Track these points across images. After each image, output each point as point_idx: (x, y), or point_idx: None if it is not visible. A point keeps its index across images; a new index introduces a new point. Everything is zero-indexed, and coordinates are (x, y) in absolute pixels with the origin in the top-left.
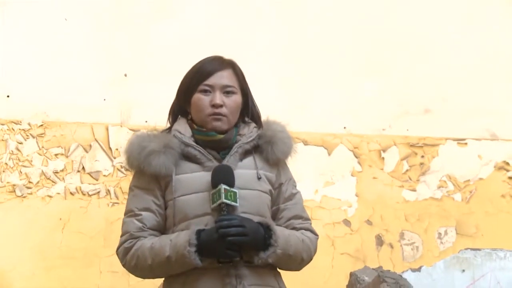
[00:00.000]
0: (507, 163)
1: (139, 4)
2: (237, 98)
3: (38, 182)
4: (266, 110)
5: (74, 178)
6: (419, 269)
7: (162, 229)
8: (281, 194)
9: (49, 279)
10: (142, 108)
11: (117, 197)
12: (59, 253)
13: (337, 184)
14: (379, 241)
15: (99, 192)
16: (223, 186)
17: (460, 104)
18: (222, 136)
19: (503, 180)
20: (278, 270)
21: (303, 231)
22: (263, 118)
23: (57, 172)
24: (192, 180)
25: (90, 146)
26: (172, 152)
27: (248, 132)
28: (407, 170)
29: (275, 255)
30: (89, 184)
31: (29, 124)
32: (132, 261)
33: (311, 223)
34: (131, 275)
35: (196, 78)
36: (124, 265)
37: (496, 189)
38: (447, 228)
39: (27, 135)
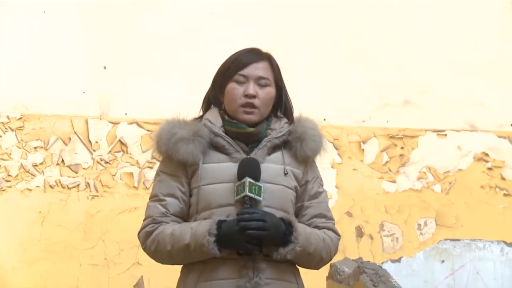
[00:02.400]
0: (486, 154)
1: None
2: (270, 91)
3: (17, 175)
4: None
5: (53, 171)
6: (399, 260)
7: (185, 216)
8: (306, 191)
9: (29, 272)
10: (122, 101)
11: (96, 190)
12: (39, 246)
13: None
14: (359, 232)
15: (78, 185)
16: (248, 179)
17: (440, 95)
18: (252, 129)
19: (482, 171)
20: (298, 267)
21: (325, 230)
22: (297, 114)
23: (36, 165)
24: (219, 170)
25: (70, 139)
26: (201, 140)
27: (279, 127)
28: (387, 162)
29: (294, 252)
30: (69, 177)
31: (7, 117)
32: (152, 245)
33: (334, 223)
34: (110, 267)
35: (233, 68)
36: (144, 249)
37: (476, 180)
38: (427, 219)
39: (6, 128)
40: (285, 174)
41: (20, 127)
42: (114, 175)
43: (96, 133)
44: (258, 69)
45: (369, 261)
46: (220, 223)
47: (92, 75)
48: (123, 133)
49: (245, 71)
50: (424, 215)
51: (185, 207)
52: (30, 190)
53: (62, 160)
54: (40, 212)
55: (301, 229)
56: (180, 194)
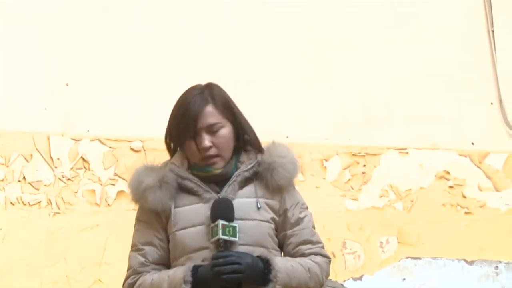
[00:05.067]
0: (448, 172)
1: (82, 13)
2: (225, 132)
3: None
4: None
5: (14, 188)
6: (360, 278)
7: (166, 262)
8: (287, 220)
9: None
10: (84, 118)
11: (58, 207)
12: None
13: None
14: None
15: (40, 202)
16: (221, 222)
17: (401, 113)
18: (219, 170)
19: (443, 189)
20: None
21: (312, 256)
22: (269, 141)
23: None
24: (191, 213)
25: (31, 155)
26: (168, 186)
27: (248, 159)
28: (349, 180)
29: None
30: (30, 194)
31: None
32: None
33: (322, 246)
34: (72, 285)
35: (182, 128)
36: None
37: (437, 198)
38: (389, 237)
39: None
40: (258, 208)
41: None
42: (76, 192)
43: (58, 149)
44: (205, 117)
45: (331, 279)
46: (196, 269)
47: (54, 92)
48: (85, 150)
49: (195, 127)
50: (386, 233)
51: (165, 253)
52: None
53: (24, 177)
54: (1, 229)
55: (281, 265)
56: (158, 242)
